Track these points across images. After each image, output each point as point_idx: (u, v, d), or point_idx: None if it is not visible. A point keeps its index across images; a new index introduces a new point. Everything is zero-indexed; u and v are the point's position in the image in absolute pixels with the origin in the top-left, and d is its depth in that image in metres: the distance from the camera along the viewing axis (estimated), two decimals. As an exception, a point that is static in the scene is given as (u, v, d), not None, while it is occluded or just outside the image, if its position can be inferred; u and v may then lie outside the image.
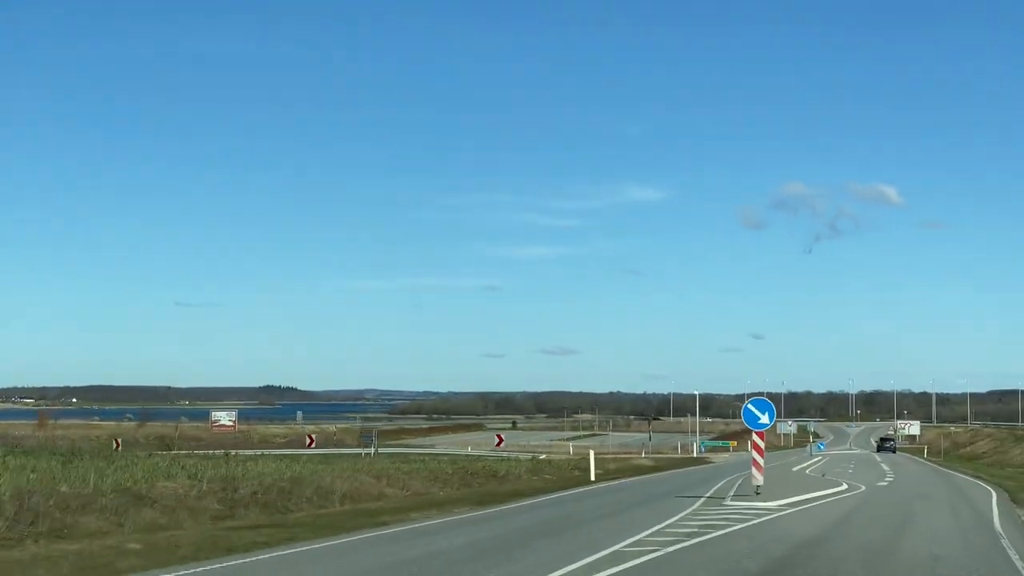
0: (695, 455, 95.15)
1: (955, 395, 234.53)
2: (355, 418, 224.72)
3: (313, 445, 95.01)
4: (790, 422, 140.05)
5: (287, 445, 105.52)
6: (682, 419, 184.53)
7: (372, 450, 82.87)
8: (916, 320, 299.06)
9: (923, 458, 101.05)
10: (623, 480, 49.24)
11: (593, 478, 47.78)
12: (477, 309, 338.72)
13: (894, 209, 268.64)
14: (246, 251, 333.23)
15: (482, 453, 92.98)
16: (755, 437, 31.19)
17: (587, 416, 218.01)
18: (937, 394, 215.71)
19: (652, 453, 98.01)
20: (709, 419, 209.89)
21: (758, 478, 30.99)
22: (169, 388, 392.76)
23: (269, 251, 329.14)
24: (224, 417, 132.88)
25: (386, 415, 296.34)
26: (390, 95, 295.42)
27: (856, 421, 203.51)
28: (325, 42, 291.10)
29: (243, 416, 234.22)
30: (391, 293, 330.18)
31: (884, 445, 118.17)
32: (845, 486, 41.49)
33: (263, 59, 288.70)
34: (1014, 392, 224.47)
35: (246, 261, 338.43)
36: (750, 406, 30.73)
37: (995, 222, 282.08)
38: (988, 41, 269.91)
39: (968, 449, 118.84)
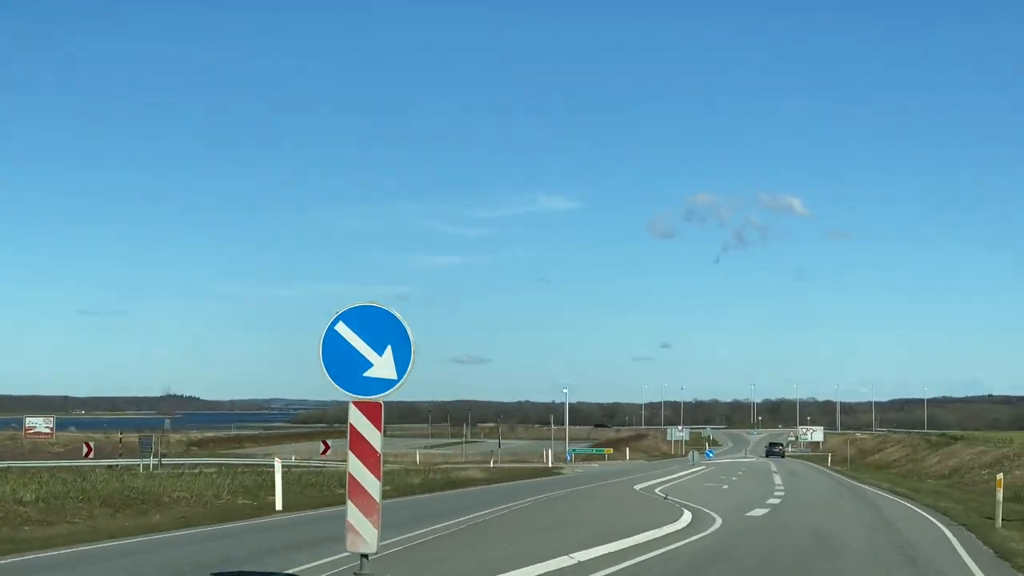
0: (551, 465, 75.01)
1: (859, 404, 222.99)
2: (231, 427, 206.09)
3: (91, 455, 74.75)
4: (681, 427, 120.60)
5: (65, 455, 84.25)
6: (585, 427, 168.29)
7: (152, 460, 64.50)
8: (821, 329, 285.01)
9: (827, 467, 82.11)
10: (326, 510, 28.60)
11: (280, 507, 27.25)
12: None
13: (800, 219, 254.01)
14: (153, 258, 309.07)
15: (299, 463, 74.18)
16: (356, 415, 10.42)
17: (490, 424, 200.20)
18: (841, 403, 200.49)
19: (509, 462, 78.22)
20: (615, 428, 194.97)
21: (362, 533, 10.23)
22: (67, 398, 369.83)
23: (176, 258, 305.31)
24: (40, 424, 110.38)
25: (286, 424, 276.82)
26: (298, 100, 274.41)
27: (757, 428, 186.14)
28: (230, 40, 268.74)
29: (134, 425, 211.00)
30: (301, 300, 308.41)
31: (772, 450, 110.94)
32: (684, 521, 21.38)
33: (151, 59, 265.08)
34: (917, 400, 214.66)
35: (153, 268, 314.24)
36: (340, 327, 10.17)
37: (897, 232, 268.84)
38: (890, 52, 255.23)
39: (877, 457, 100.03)
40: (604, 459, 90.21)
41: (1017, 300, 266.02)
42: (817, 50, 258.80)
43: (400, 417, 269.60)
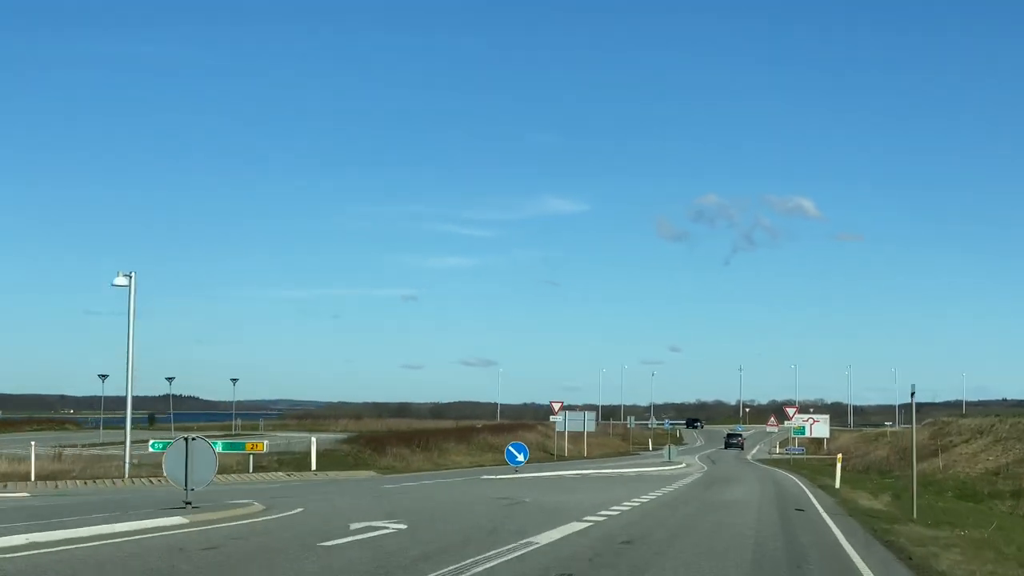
0: None
1: (870, 407, 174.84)
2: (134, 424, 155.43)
3: None
4: (559, 410, 59.77)
5: None
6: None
7: None
8: (829, 333, 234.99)
9: (832, 484, 23.13)
10: None
11: None
12: (396, 319, 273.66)
13: (812, 221, 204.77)
14: (161, 258, 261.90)
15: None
16: None
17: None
18: (854, 406, 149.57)
19: None
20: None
21: None
22: (63, 396, 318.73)
23: (183, 259, 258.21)
24: None
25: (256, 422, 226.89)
26: (308, 103, 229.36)
27: (744, 424, 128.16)
28: (234, 42, 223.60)
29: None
30: (308, 303, 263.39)
31: (731, 442, 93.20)
32: None
33: (174, 60, 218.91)
34: (931, 404, 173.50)
35: (158, 269, 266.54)
36: None
37: (910, 234, 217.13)
38: (900, 52, 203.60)
39: (942, 464, 39.94)
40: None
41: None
42: (829, 49, 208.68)
43: (392, 416, 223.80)
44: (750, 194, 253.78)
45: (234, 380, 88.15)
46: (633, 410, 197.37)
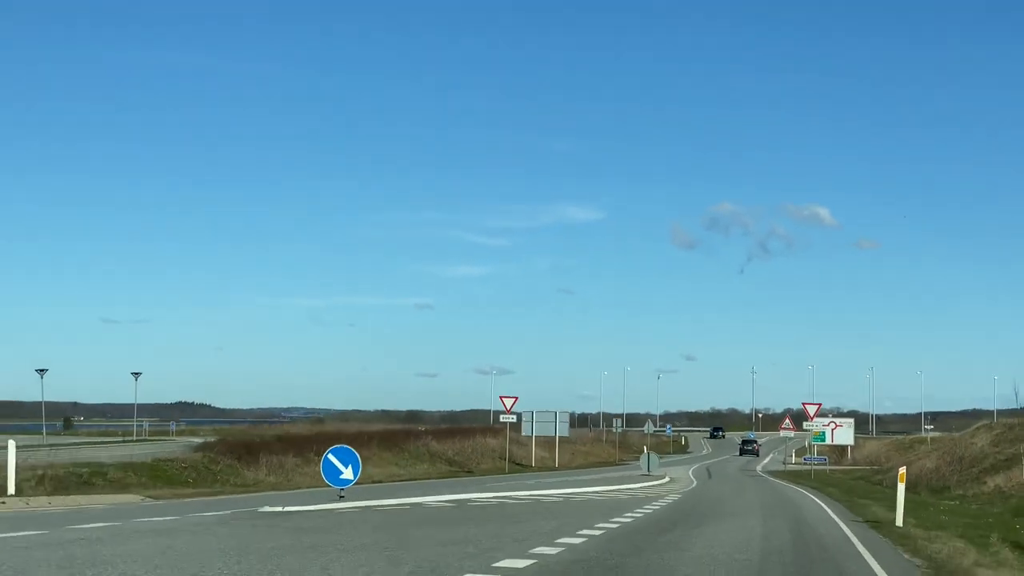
0: None
1: (888, 415, 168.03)
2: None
3: None
4: (512, 407, 46.24)
5: None
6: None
7: None
8: (845, 342, 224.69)
9: (891, 519, 10.76)
10: None
11: None
12: (411, 328, 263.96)
13: (828, 230, 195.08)
14: (176, 267, 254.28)
15: None
16: None
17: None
18: (875, 415, 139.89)
19: None
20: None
21: None
22: (76, 404, 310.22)
23: (199, 267, 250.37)
24: None
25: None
26: (322, 109, 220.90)
27: (753, 431, 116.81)
28: (254, 50, 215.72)
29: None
30: (324, 311, 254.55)
31: (746, 448, 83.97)
32: None
33: (180, 63, 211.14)
34: (949, 413, 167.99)
35: (176, 277, 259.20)
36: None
37: (927, 242, 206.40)
38: (916, 60, 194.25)
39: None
40: None
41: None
42: (845, 57, 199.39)
43: (402, 421, 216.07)
44: (765, 202, 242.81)
45: (135, 374, 75.81)
46: (642, 418, 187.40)
